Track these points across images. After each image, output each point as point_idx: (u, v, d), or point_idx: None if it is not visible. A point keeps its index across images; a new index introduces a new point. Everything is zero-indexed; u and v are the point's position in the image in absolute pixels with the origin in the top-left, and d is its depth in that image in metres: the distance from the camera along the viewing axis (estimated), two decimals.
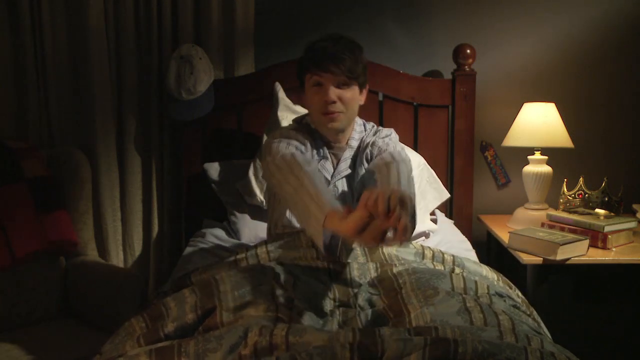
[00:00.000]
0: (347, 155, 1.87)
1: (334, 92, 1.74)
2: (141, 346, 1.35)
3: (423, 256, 1.79)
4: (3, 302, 2.12)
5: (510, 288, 1.76)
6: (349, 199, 1.83)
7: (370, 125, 1.97)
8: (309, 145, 1.83)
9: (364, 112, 2.50)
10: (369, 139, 1.90)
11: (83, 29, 2.49)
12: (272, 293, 1.52)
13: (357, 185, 1.86)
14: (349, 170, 1.86)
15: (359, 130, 1.92)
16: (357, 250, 1.77)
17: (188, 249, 2.17)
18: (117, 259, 2.63)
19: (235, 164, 2.45)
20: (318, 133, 1.87)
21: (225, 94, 2.54)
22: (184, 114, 2.48)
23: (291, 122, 1.98)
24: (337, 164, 1.86)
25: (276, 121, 2.39)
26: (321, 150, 1.86)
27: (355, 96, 1.80)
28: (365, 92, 1.86)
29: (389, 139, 1.91)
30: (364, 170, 1.86)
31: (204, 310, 1.44)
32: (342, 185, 1.84)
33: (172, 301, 1.52)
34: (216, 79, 2.53)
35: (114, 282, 2.17)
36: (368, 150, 1.87)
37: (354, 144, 1.89)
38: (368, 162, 1.87)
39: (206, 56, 2.49)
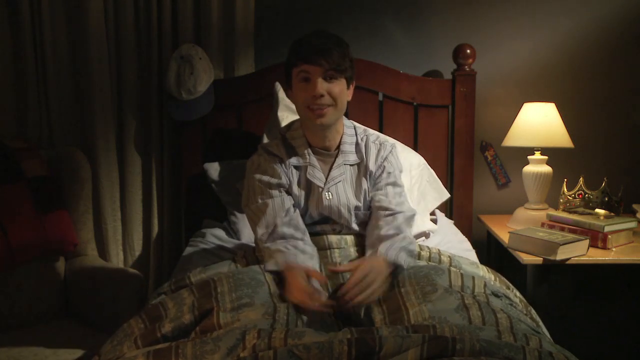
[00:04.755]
0: (340, 161, 1.82)
1: (322, 86, 1.70)
2: (139, 347, 1.35)
3: (419, 257, 1.80)
4: (3, 302, 2.12)
5: (508, 288, 1.76)
6: (344, 206, 1.81)
7: (361, 129, 1.92)
8: (283, 168, 1.80)
9: (365, 112, 2.52)
10: (374, 156, 1.86)
11: (83, 29, 2.49)
12: (269, 294, 1.52)
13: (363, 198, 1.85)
14: (343, 177, 1.82)
15: (349, 134, 1.86)
16: (350, 249, 1.78)
17: (188, 249, 2.17)
18: (117, 259, 2.63)
19: (235, 164, 2.45)
20: (303, 142, 1.83)
21: (225, 94, 2.54)
22: (184, 114, 2.48)
23: (277, 137, 1.92)
24: (329, 170, 1.82)
25: (276, 121, 2.39)
26: (306, 159, 1.82)
27: (344, 90, 1.75)
28: (352, 87, 1.82)
29: (393, 158, 1.89)
30: (369, 185, 1.86)
31: (201, 310, 1.45)
32: (335, 191, 1.81)
33: (170, 301, 1.52)
34: (216, 79, 2.54)
35: (114, 282, 2.17)
36: (375, 170, 1.85)
37: (347, 148, 1.84)
38: (375, 179, 1.86)
39: (206, 56, 2.49)
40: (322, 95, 1.70)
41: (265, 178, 1.78)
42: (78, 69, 2.55)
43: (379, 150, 1.87)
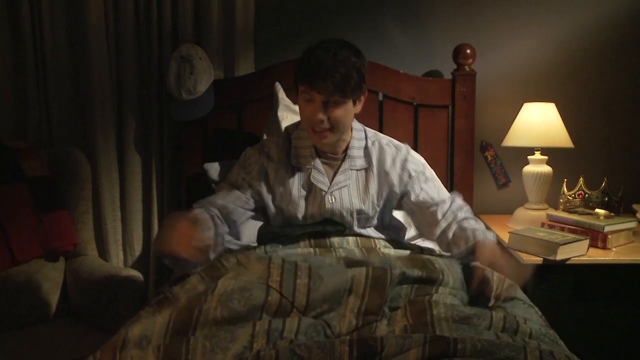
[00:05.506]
0: (347, 166, 1.82)
1: (322, 112, 1.68)
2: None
3: None
4: (3, 302, 2.12)
5: None
6: (347, 210, 1.80)
7: (371, 133, 1.91)
8: (271, 169, 1.83)
9: (364, 113, 2.51)
10: (390, 159, 1.86)
11: (83, 29, 2.49)
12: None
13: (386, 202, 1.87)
14: (348, 182, 1.82)
15: (358, 137, 1.85)
16: (355, 250, 1.78)
17: None
18: (117, 259, 2.63)
19: (235, 164, 2.45)
20: (308, 144, 1.83)
21: (225, 94, 2.54)
22: (184, 114, 2.48)
23: (282, 135, 1.94)
24: (334, 175, 1.82)
25: (276, 121, 2.39)
26: (310, 162, 1.82)
27: (347, 111, 1.73)
28: (362, 99, 1.79)
29: (412, 159, 1.90)
30: (393, 191, 1.86)
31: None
32: (339, 195, 1.80)
33: (179, 288, 1.53)
34: (216, 79, 2.53)
35: (114, 282, 2.17)
36: (401, 174, 1.86)
37: (355, 153, 1.83)
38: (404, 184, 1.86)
39: (206, 56, 2.49)
40: (321, 121, 1.69)
41: (242, 173, 1.85)
42: (78, 69, 2.55)
43: (395, 154, 1.86)
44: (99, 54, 2.51)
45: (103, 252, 2.58)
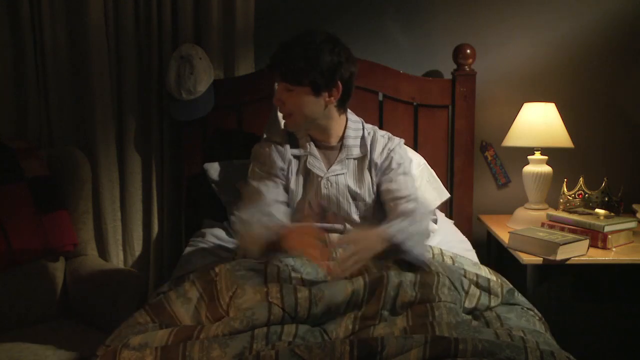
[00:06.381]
0: (343, 155, 1.85)
1: (279, 95, 1.78)
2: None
3: None
4: (3, 302, 2.12)
5: None
6: (343, 195, 1.83)
7: (369, 125, 1.93)
8: (282, 154, 1.84)
9: (364, 112, 2.51)
10: (380, 148, 1.87)
11: (83, 29, 2.49)
12: (265, 276, 1.53)
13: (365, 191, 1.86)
14: (345, 170, 1.84)
15: (354, 128, 1.88)
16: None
17: (188, 249, 2.17)
18: (117, 259, 2.63)
19: (235, 164, 2.45)
20: (304, 133, 1.87)
21: (225, 94, 2.54)
22: (184, 114, 2.48)
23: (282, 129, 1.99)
24: (332, 164, 1.85)
25: (276, 121, 2.39)
26: (306, 149, 1.86)
27: (303, 100, 1.75)
28: (334, 93, 1.76)
29: (400, 150, 1.90)
30: (376, 177, 1.86)
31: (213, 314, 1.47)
32: (335, 181, 1.83)
33: (174, 295, 1.53)
34: (216, 79, 2.53)
35: (114, 282, 2.17)
36: (382, 161, 1.86)
37: (351, 142, 1.86)
38: (383, 170, 1.86)
39: (206, 56, 2.49)
40: (277, 103, 1.79)
41: (263, 168, 1.84)
42: (78, 69, 2.55)
43: (386, 143, 1.89)
44: (99, 54, 2.51)
45: (103, 252, 2.58)
